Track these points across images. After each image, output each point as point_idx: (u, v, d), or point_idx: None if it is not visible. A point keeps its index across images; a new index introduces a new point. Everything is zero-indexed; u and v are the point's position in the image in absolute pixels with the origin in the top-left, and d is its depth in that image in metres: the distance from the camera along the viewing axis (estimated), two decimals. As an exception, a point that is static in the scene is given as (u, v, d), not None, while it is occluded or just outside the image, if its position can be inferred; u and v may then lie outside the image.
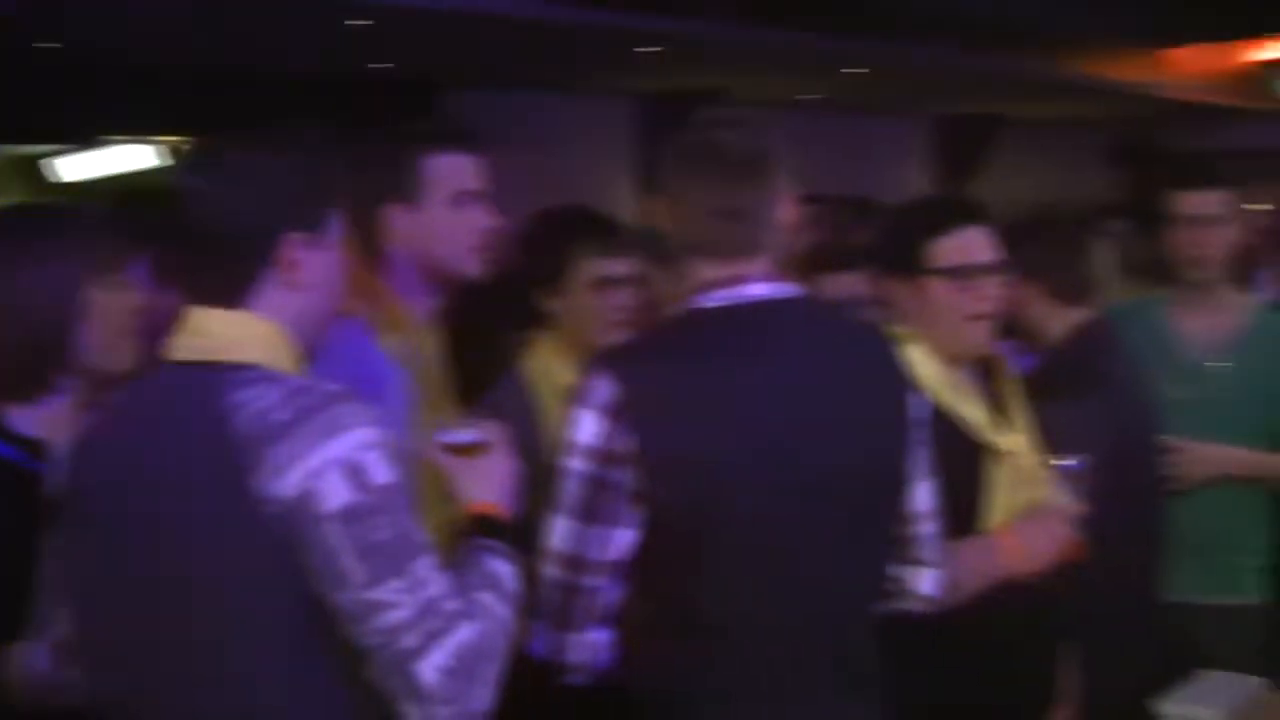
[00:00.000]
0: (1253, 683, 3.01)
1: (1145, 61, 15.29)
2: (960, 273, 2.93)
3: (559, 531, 2.38)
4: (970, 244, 2.96)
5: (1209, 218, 3.84)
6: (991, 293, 2.95)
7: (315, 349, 2.21)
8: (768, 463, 2.37)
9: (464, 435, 2.39)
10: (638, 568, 2.38)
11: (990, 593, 2.82)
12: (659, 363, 2.41)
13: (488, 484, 2.35)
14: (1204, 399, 3.73)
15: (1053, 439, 3.01)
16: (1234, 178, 4.00)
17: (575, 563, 2.37)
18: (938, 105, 16.12)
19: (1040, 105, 16.11)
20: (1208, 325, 3.89)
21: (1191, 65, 16.08)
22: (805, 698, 2.42)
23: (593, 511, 2.36)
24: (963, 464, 2.83)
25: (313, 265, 2.17)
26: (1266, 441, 3.85)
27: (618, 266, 3.28)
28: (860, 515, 2.48)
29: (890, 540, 2.57)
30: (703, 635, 2.39)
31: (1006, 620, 2.85)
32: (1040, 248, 3.44)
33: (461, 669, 2.03)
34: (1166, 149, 17.16)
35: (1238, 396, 3.80)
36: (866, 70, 12.78)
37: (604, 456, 2.34)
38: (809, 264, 3.90)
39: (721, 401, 2.37)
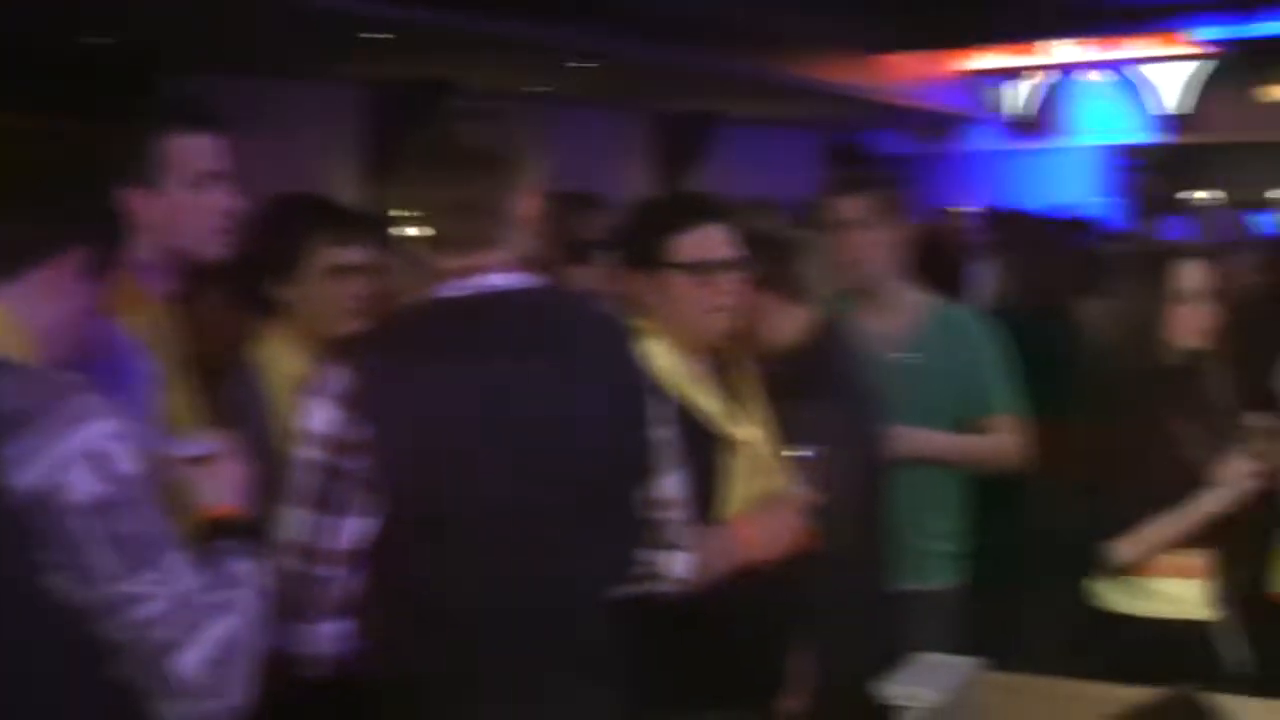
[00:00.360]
0: (967, 663, 3.12)
1: (863, 66, 15.74)
2: (700, 268, 2.98)
3: (293, 521, 2.36)
4: (710, 240, 3.01)
5: (856, 222, 3.96)
6: (730, 287, 3.01)
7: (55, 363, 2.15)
8: (502, 452, 2.38)
9: (197, 446, 2.35)
10: (374, 557, 2.37)
11: (725, 580, 2.87)
12: (395, 352, 2.41)
13: (224, 488, 2.31)
14: (889, 395, 3.84)
15: (790, 431, 3.08)
16: (886, 181, 4.14)
17: (310, 553, 2.35)
18: (661, 102, 16.32)
19: (760, 104, 16.44)
20: (886, 323, 4.00)
21: (907, 71, 16.62)
22: (541, 684, 2.44)
23: (327, 500, 2.34)
24: (700, 454, 2.87)
25: (80, 287, 2.15)
26: (954, 430, 4.00)
27: (354, 255, 3.23)
28: (598, 504, 2.50)
29: (634, 528, 2.61)
30: (439, 624, 2.40)
31: (740, 607, 2.91)
32: (764, 247, 3.49)
33: (220, 661, 2.00)
34: (873, 151, 17.71)
35: (920, 391, 3.91)
36: (594, 65, 12.87)
37: (338, 445, 2.33)
38: (543, 258, 3.91)
39: (457, 391, 2.37)
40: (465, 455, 2.36)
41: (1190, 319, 3.61)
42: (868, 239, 3.96)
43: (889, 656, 3.05)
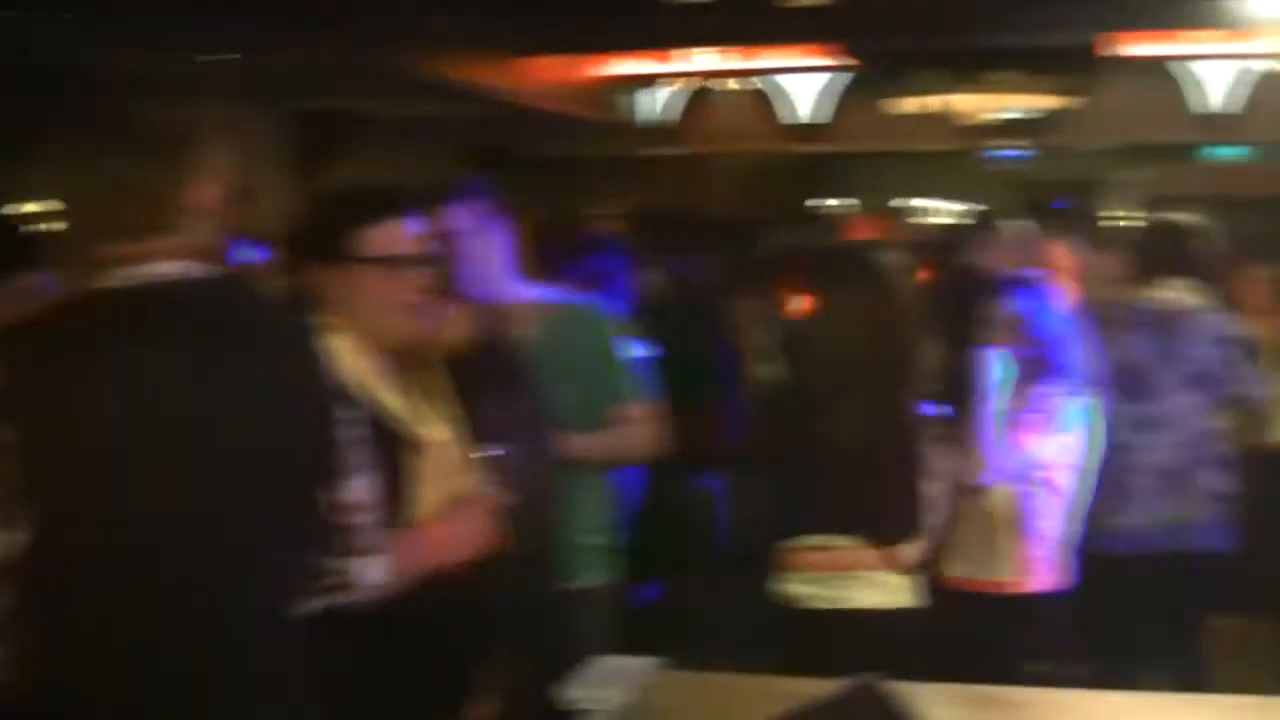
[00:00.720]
0: (646, 664, 3.12)
1: (505, 68, 15.75)
2: (390, 262, 2.88)
3: None
4: (400, 234, 2.92)
5: (463, 229, 3.88)
6: (420, 283, 2.92)
7: None
8: (168, 454, 2.24)
9: None
10: (25, 571, 2.18)
11: (416, 586, 2.77)
12: (43, 347, 2.23)
13: None
14: None
15: (475, 430, 3.02)
16: (493, 186, 4.13)
17: None
18: (298, 98, 16.00)
19: (399, 103, 16.28)
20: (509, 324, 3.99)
21: (549, 75, 16.71)
22: (218, 699, 2.30)
23: None
24: (387, 456, 2.75)
25: None
26: (587, 424, 3.99)
27: (42, 281, 3.00)
28: (278, 509, 2.38)
29: (319, 534, 2.48)
30: (104, 642, 2.23)
31: (431, 613, 2.81)
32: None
33: None
34: (514, 154, 17.75)
35: (549, 388, 3.91)
36: (229, 58, 12.54)
37: None
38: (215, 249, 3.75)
39: (114, 389, 2.21)
40: (124, 458, 2.21)
41: (908, 313, 3.75)
42: (475, 244, 3.93)
43: (572, 659, 3.03)
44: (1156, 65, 16.38)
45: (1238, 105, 16.44)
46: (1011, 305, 4.21)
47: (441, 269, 3.03)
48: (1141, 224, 5.38)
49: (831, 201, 17.62)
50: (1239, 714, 3.08)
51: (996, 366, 4.17)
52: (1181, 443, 4.73)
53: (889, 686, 2.90)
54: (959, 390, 4.23)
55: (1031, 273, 4.51)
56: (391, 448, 2.82)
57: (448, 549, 2.86)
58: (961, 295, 4.41)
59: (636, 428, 4.07)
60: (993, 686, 3.16)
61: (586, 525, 4.00)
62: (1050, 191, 12.29)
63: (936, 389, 3.84)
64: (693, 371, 4.66)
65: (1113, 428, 4.40)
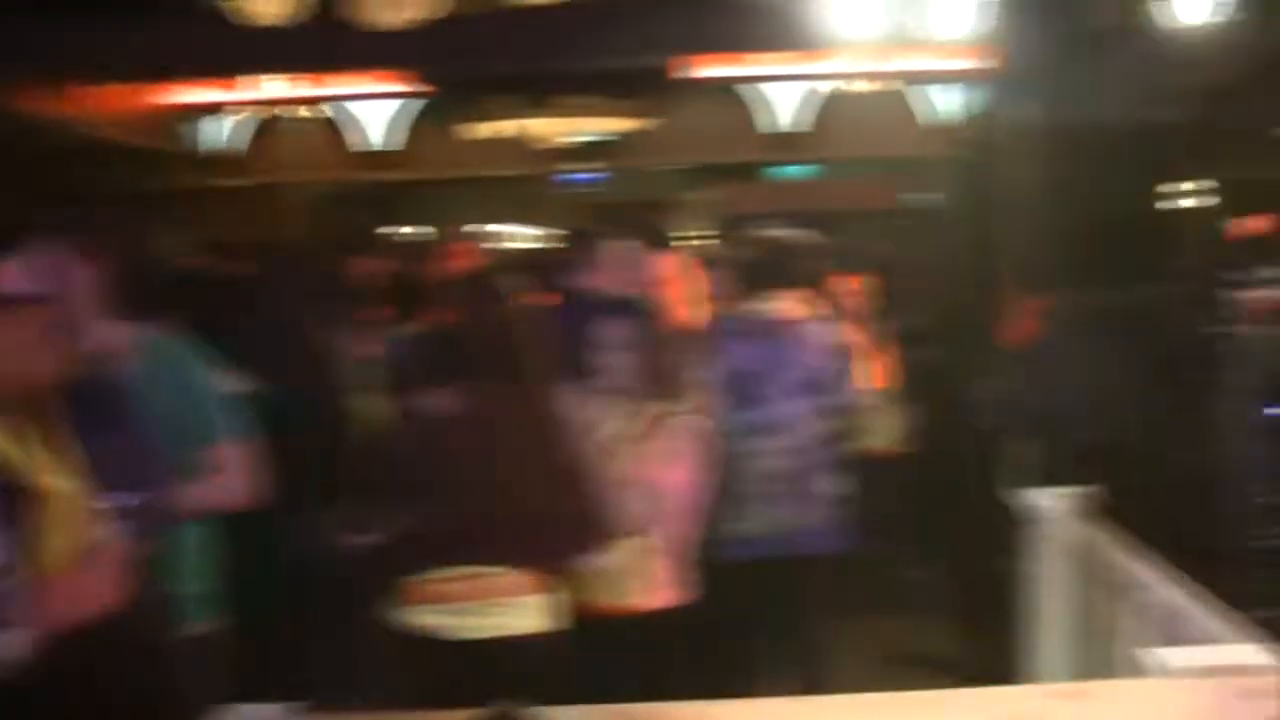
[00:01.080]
0: (275, 710, 3.03)
1: (59, 96, 15.12)
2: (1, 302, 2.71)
3: None
4: (7, 272, 2.75)
5: (49, 271, 3.78)
6: (32, 322, 2.77)
7: None
8: None
9: None
10: None
11: (46, 647, 2.63)
12: None
13: None
14: None
15: (94, 476, 2.87)
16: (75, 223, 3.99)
17: None
18: None
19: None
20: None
21: (104, 103, 16.12)
22: None
23: None
24: (8, 507, 2.62)
25: None
26: (181, 467, 3.77)
27: None
28: None
29: None
30: None
31: (63, 674, 2.65)
32: None
33: None
34: (79, 190, 17.09)
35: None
36: None
37: None
38: None
39: None
40: None
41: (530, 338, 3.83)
42: (64, 283, 3.73)
43: (195, 710, 2.92)
44: (728, 87, 17.06)
45: (806, 124, 17.28)
46: (620, 325, 4.22)
47: (49, 308, 2.87)
48: (745, 239, 5.53)
49: (407, 229, 17.58)
50: (860, 712, 3.20)
51: (605, 390, 4.19)
52: (792, 449, 4.89)
53: (527, 712, 2.90)
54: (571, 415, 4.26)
55: (636, 292, 4.56)
56: (11, 499, 2.68)
57: (75, 604, 2.71)
58: (569, 318, 4.41)
59: (230, 470, 3.90)
60: (629, 705, 3.19)
61: (190, 570, 3.86)
62: (630, 212, 12.60)
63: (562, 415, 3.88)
64: (295, 406, 4.55)
65: (726, 436, 4.50)
